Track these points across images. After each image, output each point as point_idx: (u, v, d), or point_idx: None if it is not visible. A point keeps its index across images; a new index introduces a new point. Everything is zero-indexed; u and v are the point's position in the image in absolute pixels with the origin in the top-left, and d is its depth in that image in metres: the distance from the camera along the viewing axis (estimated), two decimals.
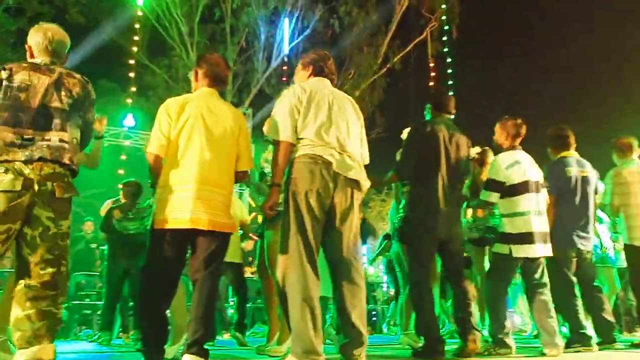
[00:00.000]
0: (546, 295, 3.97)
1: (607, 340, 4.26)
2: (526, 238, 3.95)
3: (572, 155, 4.54)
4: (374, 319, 9.58)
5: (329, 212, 2.98)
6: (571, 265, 4.32)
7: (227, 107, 3.20)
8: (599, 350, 4.10)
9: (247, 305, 8.08)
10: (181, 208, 2.91)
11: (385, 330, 9.15)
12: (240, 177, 3.24)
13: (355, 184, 3.07)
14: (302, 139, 3.01)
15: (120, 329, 6.30)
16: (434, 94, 4.08)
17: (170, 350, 3.61)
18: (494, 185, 4.05)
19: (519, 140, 4.22)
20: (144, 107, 15.11)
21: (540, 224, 4.01)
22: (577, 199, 4.40)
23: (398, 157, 4.06)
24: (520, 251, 3.95)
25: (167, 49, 16.17)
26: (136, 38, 14.11)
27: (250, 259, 8.59)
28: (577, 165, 4.46)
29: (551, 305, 3.94)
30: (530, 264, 4.02)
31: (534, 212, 4.00)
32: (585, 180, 4.45)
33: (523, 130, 4.23)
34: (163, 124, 3.03)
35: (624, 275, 6.18)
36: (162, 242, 2.94)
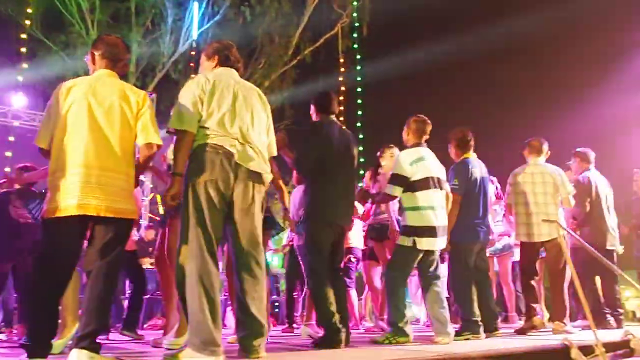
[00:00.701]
0: (439, 287, 4.18)
1: (490, 329, 4.54)
2: (429, 231, 4.11)
3: (473, 155, 4.84)
4: (277, 310, 9.59)
5: (230, 203, 2.95)
6: (472, 258, 4.58)
7: (121, 86, 3.02)
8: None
9: (146, 297, 7.80)
10: (68, 194, 2.74)
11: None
12: (147, 154, 3.02)
13: (256, 175, 3.05)
14: (204, 128, 2.95)
15: (3, 324, 5.88)
16: (319, 95, 4.15)
17: (57, 344, 3.41)
18: (397, 179, 4.16)
19: (424, 137, 4.39)
20: (36, 86, 14.12)
21: (441, 219, 4.20)
22: (479, 196, 4.70)
23: (296, 155, 4.06)
24: (424, 243, 4.09)
25: (65, 25, 15.13)
26: (29, 11, 13.13)
27: (151, 249, 8.31)
28: (478, 165, 4.78)
29: (443, 296, 4.15)
30: (427, 257, 4.19)
31: (436, 206, 4.18)
32: (484, 180, 4.77)
33: (428, 129, 4.42)
34: (50, 113, 2.91)
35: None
36: (54, 231, 2.78)
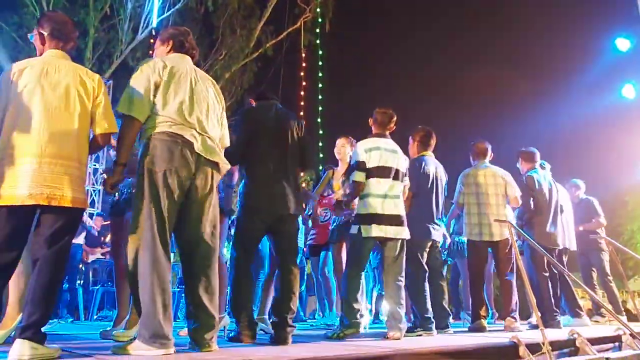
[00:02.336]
0: (401, 282, 4.17)
1: (441, 326, 4.62)
2: (374, 218, 4.13)
3: (431, 155, 4.91)
4: None
5: (188, 193, 2.89)
6: (425, 255, 4.65)
7: (76, 70, 2.90)
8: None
9: (96, 287, 7.64)
10: (18, 183, 2.63)
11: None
12: (101, 142, 2.95)
13: (215, 165, 3.02)
14: (160, 115, 2.87)
15: None
16: (258, 90, 4.15)
17: (1, 334, 3.29)
18: (358, 165, 4.21)
19: (387, 129, 4.42)
20: None
21: (393, 208, 4.20)
22: (432, 194, 4.78)
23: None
24: (369, 231, 4.11)
25: (17, 5, 14.56)
26: None
27: (102, 238, 8.12)
28: (433, 164, 4.85)
29: (402, 293, 4.16)
30: (384, 248, 4.21)
31: (388, 195, 4.20)
32: (438, 179, 4.84)
33: (392, 121, 4.44)
34: (1, 95, 2.74)
35: None
36: (3, 220, 2.65)
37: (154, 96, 2.89)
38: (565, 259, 6.14)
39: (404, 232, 4.24)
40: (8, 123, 2.71)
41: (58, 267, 2.73)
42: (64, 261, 2.80)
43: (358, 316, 4.10)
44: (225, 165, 3.11)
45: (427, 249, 4.71)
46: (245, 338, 3.48)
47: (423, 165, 4.77)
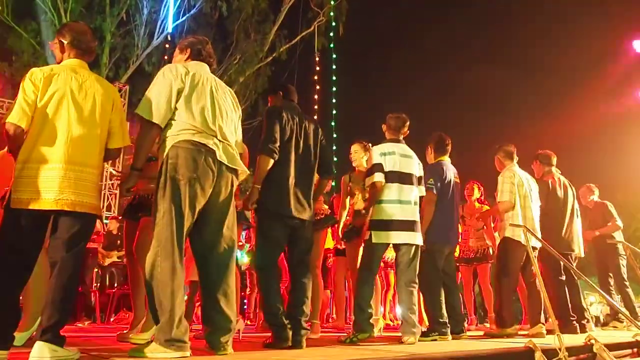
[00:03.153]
0: (414, 288, 4.17)
1: (456, 331, 4.58)
2: (385, 225, 4.14)
3: (448, 160, 4.90)
4: (245, 307, 9.54)
5: (209, 201, 2.91)
6: (442, 260, 4.62)
7: (98, 81, 2.96)
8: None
9: (113, 290, 7.70)
10: (45, 188, 2.68)
11: None
12: (113, 155, 3.04)
13: (235, 172, 3.05)
14: (182, 122, 2.88)
15: None
16: (282, 84, 4.11)
17: (19, 337, 3.33)
18: (376, 167, 4.23)
19: (401, 133, 4.44)
20: (5, 72, 13.79)
21: (408, 213, 4.20)
22: (451, 199, 4.74)
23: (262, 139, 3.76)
24: (380, 237, 4.12)
25: (36, 13, 14.78)
26: None
27: (119, 242, 8.19)
28: (451, 169, 4.85)
29: (415, 299, 4.16)
30: (397, 253, 4.21)
31: (400, 200, 4.20)
32: (456, 184, 4.83)
33: (406, 125, 4.45)
34: (29, 94, 2.75)
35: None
36: (20, 222, 2.69)
37: (176, 102, 2.90)
38: (574, 264, 6.04)
39: (417, 238, 4.23)
40: (34, 128, 2.75)
41: (76, 270, 2.78)
42: (79, 265, 2.85)
43: (371, 321, 4.11)
44: (244, 172, 3.14)
45: (444, 255, 4.69)
46: (279, 343, 3.44)
47: (444, 170, 4.76)
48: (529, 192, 5.18)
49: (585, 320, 5.54)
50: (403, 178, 4.24)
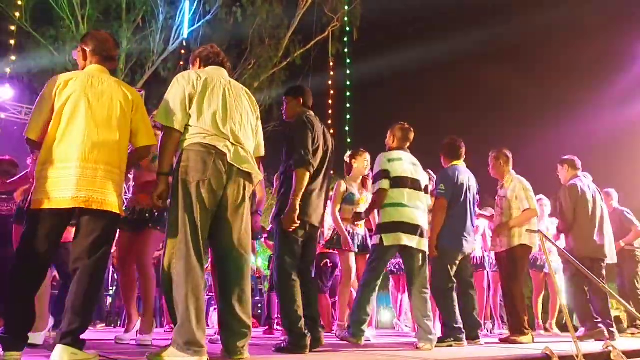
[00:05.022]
0: (426, 294, 4.16)
1: (471, 337, 4.54)
2: (395, 226, 4.14)
3: (462, 164, 4.85)
4: (260, 311, 9.58)
5: (220, 203, 2.93)
6: (455, 266, 4.59)
7: (117, 83, 3.02)
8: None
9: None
10: (62, 186, 2.71)
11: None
12: (142, 154, 3.10)
13: (248, 176, 3.04)
14: (195, 127, 2.92)
15: None
16: (302, 89, 4.07)
17: (36, 336, 3.42)
18: (382, 174, 4.25)
19: (406, 143, 4.48)
20: (24, 78, 14.00)
21: (417, 218, 4.20)
22: (465, 204, 4.68)
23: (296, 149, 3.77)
24: (390, 239, 4.12)
25: (54, 19, 15.01)
26: (20, 2, 13.00)
27: None
28: (466, 174, 4.78)
29: (429, 305, 4.14)
30: (406, 258, 4.22)
31: (409, 205, 4.21)
32: (470, 188, 4.75)
33: (411, 135, 4.51)
34: (43, 105, 2.85)
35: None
36: (39, 223, 2.73)
37: (189, 107, 2.95)
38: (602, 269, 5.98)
39: (424, 244, 4.24)
40: (52, 130, 2.81)
41: (98, 276, 2.80)
42: (103, 270, 2.87)
43: (364, 327, 4.15)
44: (258, 176, 3.13)
45: (458, 260, 4.64)
46: (295, 349, 3.43)
47: (457, 174, 4.70)
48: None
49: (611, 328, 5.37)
50: (410, 183, 4.27)
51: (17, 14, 12.95)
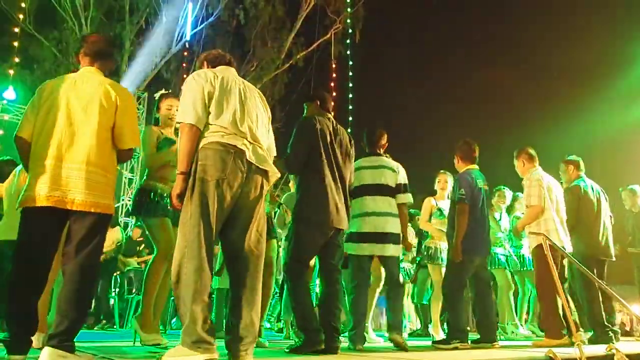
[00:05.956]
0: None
1: (488, 340, 4.49)
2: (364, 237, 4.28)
3: (477, 168, 4.86)
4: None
5: (237, 201, 2.89)
6: (469, 270, 4.58)
7: (102, 84, 2.98)
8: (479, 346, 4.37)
9: (132, 296, 7.78)
10: (40, 186, 2.74)
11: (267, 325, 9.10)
12: (124, 156, 3.04)
13: (265, 174, 3.02)
14: (213, 125, 2.89)
15: None
16: (319, 93, 4.16)
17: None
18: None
19: (379, 147, 4.63)
20: (27, 80, 14.02)
21: (379, 225, 4.32)
22: (481, 208, 4.69)
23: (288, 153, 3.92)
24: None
25: (57, 21, 15.03)
26: (23, 5, 13.04)
27: (139, 248, 8.27)
28: (481, 177, 4.78)
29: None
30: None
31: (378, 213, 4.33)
32: (486, 192, 4.78)
33: (383, 140, 4.66)
34: (30, 107, 2.92)
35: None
36: (27, 223, 2.77)
37: (209, 105, 2.91)
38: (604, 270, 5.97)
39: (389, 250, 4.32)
40: (37, 130, 2.86)
41: (86, 276, 2.77)
42: (93, 269, 2.84)
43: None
44: (275, 174, 3.11)
45: (474, 264, 4.60)
46: (310, 346, 3.47)
47: (474, 179, 4.70)
48: (556, 196, 5.11)
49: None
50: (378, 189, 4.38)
51: (21, 16, 12.97)
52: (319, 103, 4.02)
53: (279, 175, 3.18)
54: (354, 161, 4.19)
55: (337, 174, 3.79)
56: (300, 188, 3.78)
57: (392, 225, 4.32)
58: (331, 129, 3.88)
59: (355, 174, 4.20)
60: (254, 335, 2.91)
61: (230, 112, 2.93)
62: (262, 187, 2.99)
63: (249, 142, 2.95)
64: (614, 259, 5.62)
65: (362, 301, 4.25)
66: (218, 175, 2.80)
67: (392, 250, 4.30)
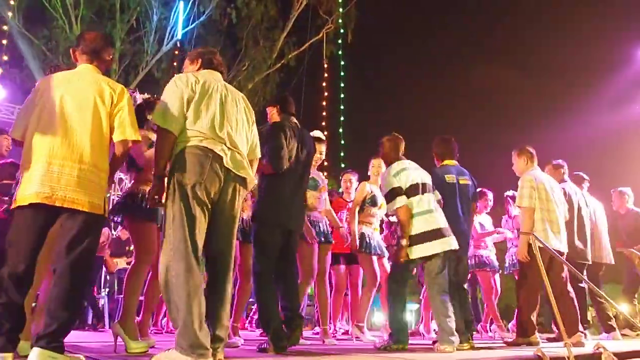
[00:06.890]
0: (445, 295, 4.21)
1: (462, 339, 4.37)
2: (423, 237, 4.21)
3: (454, 164, 4.83)
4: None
5: (215, 206, 2.93)
6: (448, 266, 4.55)
7: (97, 80, 2.96)
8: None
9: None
10: (31, 184, 2.71)
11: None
12: (119, 149, 2.96)
13: (242, 181, 3.06)
14: (191, 130, 2.91)
15: None
16: (281, 97, 4.26)
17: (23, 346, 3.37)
18: (394, 193, 4.28)
19: (400, 152, 4.59)
20: (16, 79, 13.93)
21: (433, 222, 4.25)
22: (457, 204, 4.66)
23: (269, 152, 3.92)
24: (417, 251, 4.19)
25: (47, 19, 14.91)
26: (12, 2, 12.94)
27: (127, 248, 8.23)
28: (455, 172, 4.75)
29: (450, 306, 4.15)
30: (429, 263, 4.27)
31: (427, 211, 4.27)
32: (464, 187, 4.73)
33: (402, 146, 4.63)
34: (26, 105, 2.91)
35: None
36: (18, 222, 2.74)
37: (187, 110, 2.93)
38: (601, 272, 6.04)
39: (448, 244, 4.25)
40: (31, 129, 2.82)
41: (77, 276, 2.72)
42: (83, 271, 2.79)
43: (406, 332, 4.23)
44: (252, 181, 3.15)
45: (451, 261, 4.53)
46: (272, 348, 3.52)
47: (445, 174, 4.72)
48: (552, 195, 5.10)
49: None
50: (424, 189, 4.36)
51: (10, 14, 12.86)
52: (281, 107, 4.12)
53: (255, 182, 3.23)
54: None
55: (298, 178, 3.94)
56: (263, 190, 3.87)
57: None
58: (298, 132, 3.99)
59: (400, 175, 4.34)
60: (225, 334, 2.95)
61: (209, 117, 2.96)
62: (239, 193, 3.03)
63: (228, 147, 2.98)
64: (590, 262, 5.74)
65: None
66: (195, 179, 2.83)
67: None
